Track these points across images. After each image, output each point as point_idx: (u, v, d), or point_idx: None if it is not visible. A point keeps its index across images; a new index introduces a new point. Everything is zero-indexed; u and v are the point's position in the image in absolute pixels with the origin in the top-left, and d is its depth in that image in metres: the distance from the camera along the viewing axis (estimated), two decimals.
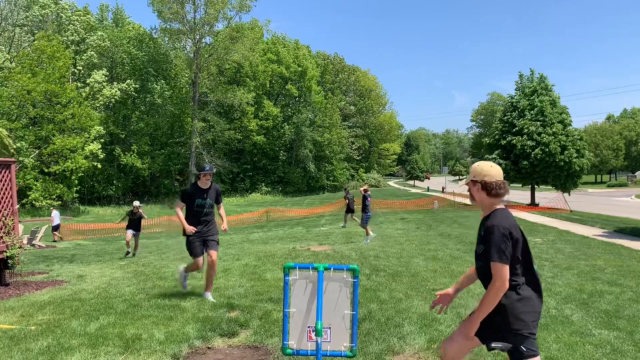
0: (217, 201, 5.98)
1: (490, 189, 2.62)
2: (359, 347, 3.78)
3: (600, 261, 8.50)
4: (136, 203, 12.64)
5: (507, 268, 2.42)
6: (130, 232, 12.29)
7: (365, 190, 13.03)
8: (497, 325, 2.50)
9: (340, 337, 3.04)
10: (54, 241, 19.28)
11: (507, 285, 2.43)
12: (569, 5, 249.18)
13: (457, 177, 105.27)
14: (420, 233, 14.10)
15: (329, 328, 3.03)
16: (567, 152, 25.31)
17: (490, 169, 2.66)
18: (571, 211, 22.59)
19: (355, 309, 3.04)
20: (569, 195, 28.27)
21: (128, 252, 12.21)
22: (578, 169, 25.75)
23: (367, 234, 12.45)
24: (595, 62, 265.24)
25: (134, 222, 12.42)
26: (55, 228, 20.39)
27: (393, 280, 6.94)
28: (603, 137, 73.57)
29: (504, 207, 2.64)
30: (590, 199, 37.33)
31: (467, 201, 33.42)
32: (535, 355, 2.47)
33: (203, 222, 5.83)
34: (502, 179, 2.65)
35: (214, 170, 5.94)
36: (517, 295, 2.48)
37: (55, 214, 20.68)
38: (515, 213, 22.30)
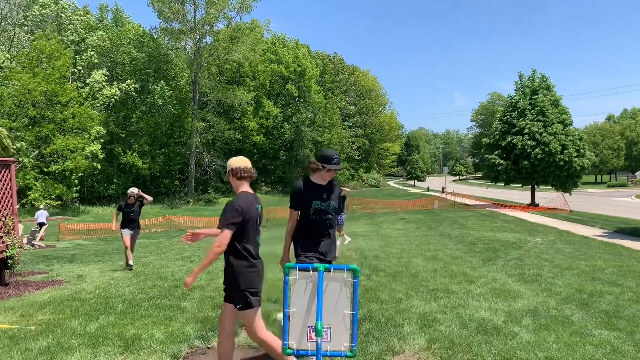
0: (340, 207, 4.03)
1: (235, 174, 3.37)
2: (359, 347, 3.78)
3: (600, 261, 8.49)
4: (134, 190, 8.97)
5: (229, 234, 3.15)
6: (128, 234, 8.80)
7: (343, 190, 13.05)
8: (233, 287, 3.25)
9: (340, 337, 3.04)
10: (41, 240, 18.75)
11: (224, 248, 3.16)
12: (569, 6, 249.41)
13: (457, 177, 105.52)
14: (420, 233, 14.09)
15: (329, 328, 3.03)
16: (567, 151, 25.30)
17: (237, 161, 3.43)
18: (571, 211, 22.58)
19: (355, 309, 3.04)
20: (570, 195, 28.25)
21: (131, 267, 8.76)
22: (578, 168, 25.75)
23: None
24: (596, 62, 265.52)
25: (131, 218, 8.86)
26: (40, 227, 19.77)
27: (393, 280, 6.94)
28: (603, 137, 73.48)
29: (249, 192, 3.35)
30: (590, 199, 37.32)
31: (467, 201, 33.41)
32: (253, 307, 3.25)
33: (325, 235, 3.79)
34: (247, 166, 3.38)
35: (340, 167, 3.83)
36: (246, 262, 3.25)
37: (39, 213, 19.63)
38: (516, 213, 22.30)
